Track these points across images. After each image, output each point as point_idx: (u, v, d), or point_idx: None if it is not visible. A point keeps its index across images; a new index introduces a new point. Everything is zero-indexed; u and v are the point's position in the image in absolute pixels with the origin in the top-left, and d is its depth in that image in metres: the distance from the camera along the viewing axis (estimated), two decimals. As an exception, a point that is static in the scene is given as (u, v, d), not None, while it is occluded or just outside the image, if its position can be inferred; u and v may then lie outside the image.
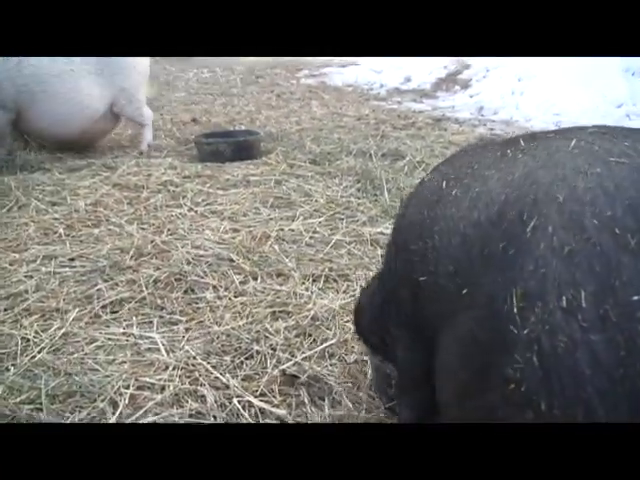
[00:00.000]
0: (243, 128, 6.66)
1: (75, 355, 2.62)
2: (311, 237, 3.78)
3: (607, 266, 1.16)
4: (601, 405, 1.11)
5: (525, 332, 1.21)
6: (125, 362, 2.58)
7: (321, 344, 2.67)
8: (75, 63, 5.36)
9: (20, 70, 5.16)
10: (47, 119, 5.40)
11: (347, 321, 2.78)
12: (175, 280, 3.21)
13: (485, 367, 1.31)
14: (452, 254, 1.50)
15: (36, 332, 2.78)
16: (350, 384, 2.42)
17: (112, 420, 2.20)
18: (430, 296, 1.64)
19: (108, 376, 2.46)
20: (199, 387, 2.38)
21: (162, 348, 2.66)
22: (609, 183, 1.25)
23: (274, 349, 2.64)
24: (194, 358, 2.57)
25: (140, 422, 2.18)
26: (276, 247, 3.62)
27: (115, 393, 2.35)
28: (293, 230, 3.89)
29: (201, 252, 3.52)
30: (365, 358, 2.53)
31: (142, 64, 5.92)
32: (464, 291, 1.41)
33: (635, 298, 1.12)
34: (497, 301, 1.28)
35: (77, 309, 2.96)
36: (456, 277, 1.47)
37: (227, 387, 2.38)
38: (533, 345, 1.19)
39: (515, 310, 1.24)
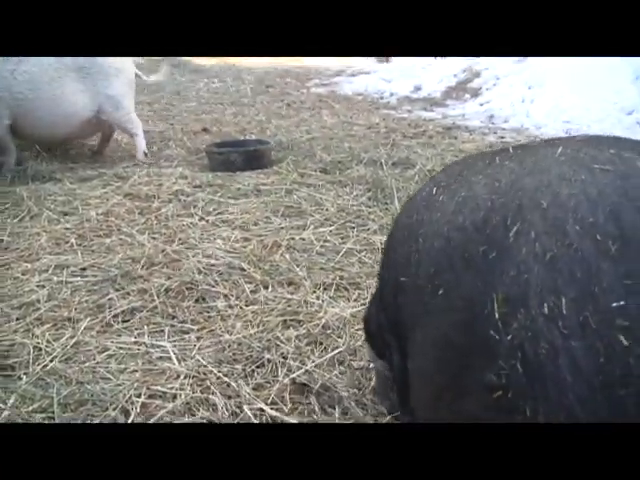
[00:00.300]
0: (254, 137, 6.67)
1: (87, 364, 2.63)
2: (322, 246, 3.79)
3: (588, 272, 1.16)
4: (582, 412, 1.11)
5: (508, 338, 1.21)
6: (136, 371, 2.58)
7: (332, 352, 2.67)
8: (62, 70, 5.44)
9: (15, 77, 5.25)
10: (40, 124, 5.48)
11: (358, 329, 2.78)
12: (186, 289, 3.22)
13: (462, 371, 1.31)
14: (434, 256, 1.51)
15: (48, 341, 2.79)
16: (357, 390, 2.42)
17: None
18: (407, 297, 1.65)
19: (120, 385, 2.47)
20: (210, 395, 2.39)
21: (173, 357, 2.66)
22: (592, 189, 1.26)
23: (285, 357, 2.64)
24: (205, 367, 2.58)
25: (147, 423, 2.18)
26: (287, 256, 3.62)
27: (127, 402, 2.36)
28: (304, 239, 3.89)
29: (212, 261, 3.53)
30: (370, 364, 2.53)
31: (128, 71, 5.98)
32: (440, 291, 1.42)
33: (614, 305, 1.12)
34: (476, 305, 1.28)
35: (89, 318, 2.98)
36: (434, 278, 1.47)
37: (238, 395, 2.38)
38: (517, 352, 1.19)
39: (497, 315, 1.24)
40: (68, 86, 5.50)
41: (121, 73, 5.87)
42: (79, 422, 2.25)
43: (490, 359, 1.23)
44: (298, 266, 3.47)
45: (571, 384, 1.12)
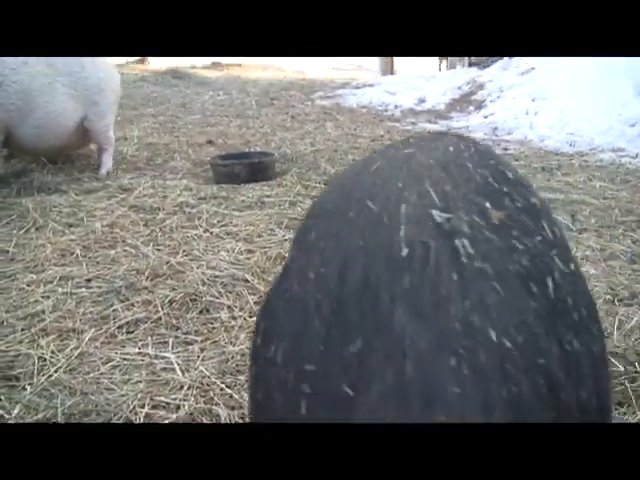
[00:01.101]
0: (258, 150, 6.70)
1: (91, 375, 2.64)
2: (325, 257, 3.79)
3: (301, 328, 1.12)
4: None
5: (253, 369, 1.25)
6: (140, 382, 2.59)
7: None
8: (52, 75, 5.44)
9: (5, 90, 5.21)
10: (34, 133, 5.46)
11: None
12: (190, 300, 3.24)
13: None
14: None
15: (52, 352, 2.80)
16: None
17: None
18: None
19: (123, 395, 2.48)
20: (214, 407, 2.40)
21: (177, 368, 2.68)
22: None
23: (288, 369, 2.65)
24: (209, 378, 2.59)
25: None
26: (290, 267, 3.63)
27: (130, 412, 2.37)
28: (307, 250, 3.90)
29: (216, 273, 3.54)
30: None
31: (114, 82, 6.03)
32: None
33: (307, 368, 1.09)
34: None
35: (93, 329, 2.99)
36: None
37: (242, 406, 2.40)
38: (252, 382, 1.25)
39: (258, 342, 1.25)
40: (59, 91, 5.51)
41: (111, 81, 5.92)
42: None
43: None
44: (302, 278, 3.48)
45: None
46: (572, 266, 1.29)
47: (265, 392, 1.20)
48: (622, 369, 2.60)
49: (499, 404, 1.01)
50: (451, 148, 1.43)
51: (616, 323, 2.94)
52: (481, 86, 9.94)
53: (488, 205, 1.22)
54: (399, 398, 1.00)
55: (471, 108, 9.44)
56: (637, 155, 6.48)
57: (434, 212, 1.17)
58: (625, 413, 2.36)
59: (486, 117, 8.74)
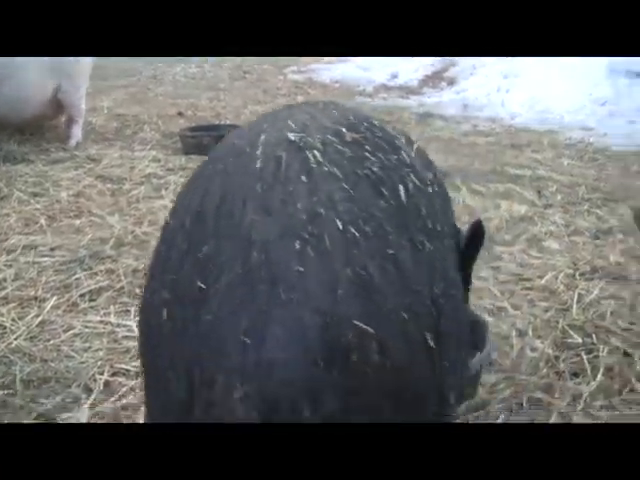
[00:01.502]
0: (228, 122, 6.66)
1: (51, 342, 2.64)
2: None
3: (178, 263, 1.26)
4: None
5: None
6: (101, 349, 2.60)
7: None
8: None
9: None
10: (3, 105, 5.31)
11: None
12: (154, 270, 3.22)
13: None
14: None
15: (13, 319, 2.79)
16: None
17: (86, 405, 2.22)
18: None
19: (83, 362, 2.48)
20: (174, 374, 2.40)
21: (139, 336, 2.67)
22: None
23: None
24: (170, 346, 2.59)
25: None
26: (256, 239, 3.62)
27: (90, 379, 2.37)
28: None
29: (181, 243, 3.52)
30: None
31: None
32: None
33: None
34: None
35: (55, 297, 2.98)
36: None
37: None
38: None
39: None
40: (31, 63, 5.30)
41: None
42: (42, 400, 2.26)
43: None
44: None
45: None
46: (430, 189, 1.43)
47: (143, 323, 1.35)
48: (580, 341, 2.64)
49: (343, 281, 1.13)
50: (321, 105, 1.58)
51: (576, 297, 2.98)
52: (454, 63, 9.92)
53: (344, 130, 1.36)
54: (246, 283, 1.13)
55: (443, 84, 9.42)
56: (606, 134, 6.52)
57: (289, 134, 1.32)
58: (580, 383, 2.40)
59: (458, 93, 8.73)
